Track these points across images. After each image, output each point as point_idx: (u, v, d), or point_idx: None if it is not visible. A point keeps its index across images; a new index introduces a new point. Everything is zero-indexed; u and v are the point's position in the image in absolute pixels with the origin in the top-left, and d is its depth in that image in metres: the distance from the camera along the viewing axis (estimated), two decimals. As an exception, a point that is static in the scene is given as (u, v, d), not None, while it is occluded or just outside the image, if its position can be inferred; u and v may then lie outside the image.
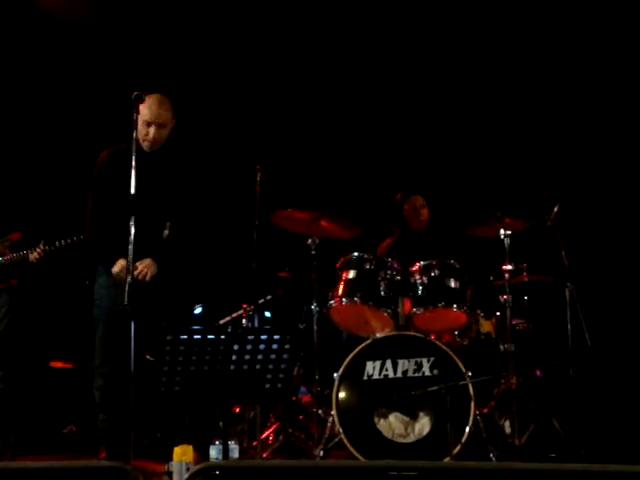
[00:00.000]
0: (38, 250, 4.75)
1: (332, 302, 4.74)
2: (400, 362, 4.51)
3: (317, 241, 4.87)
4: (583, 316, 4.85)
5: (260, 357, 3.29)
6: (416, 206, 5.65)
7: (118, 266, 4.42)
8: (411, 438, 4.39)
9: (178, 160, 4.66)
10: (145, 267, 4.44)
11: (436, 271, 4.72)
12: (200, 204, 4.68)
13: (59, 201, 5.95)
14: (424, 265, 4.76)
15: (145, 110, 4.40)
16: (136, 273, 4.38)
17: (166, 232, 4.55)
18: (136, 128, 4.06)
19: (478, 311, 5.19)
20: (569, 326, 4.88)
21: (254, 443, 4.70)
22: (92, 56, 6.22)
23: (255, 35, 6.35)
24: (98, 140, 5.44)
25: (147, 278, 4.44)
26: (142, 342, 3.89)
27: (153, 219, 4.49)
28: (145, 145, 4.50)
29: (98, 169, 4.61)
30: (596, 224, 6.11)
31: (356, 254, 4.79)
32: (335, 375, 4.53)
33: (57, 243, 4.76)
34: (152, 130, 4.46)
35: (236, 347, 3.26)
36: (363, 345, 4.58)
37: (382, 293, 4.68)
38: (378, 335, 4.64)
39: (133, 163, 3.88)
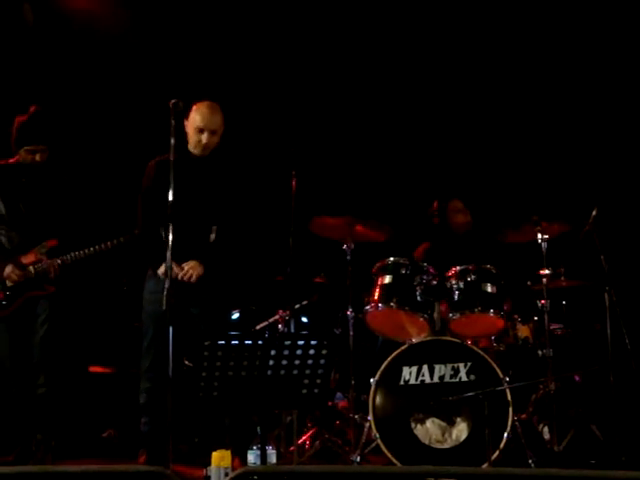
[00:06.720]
0: (54, 267, 4.78)
1: (368, 307, 4.74)
2: (437, 367, 4.49)
3: (352, 246, 4.88)
4: (623, 321, 4.80)
5: (297, 362, 3.31)
6: (458, 208, 5.64)
7: (164, 267, 4.47)
8: (448, 444, 4.37)
9: (225, 165, 4.67)
10: (191, 268, 4.48)
11: (472, 276, 4.70)
12: (246, 208, 4.69)
13: (95, 207, 6.02)
14: (460, 270, 4.74)
15: (197, 116, 4.47)
16: (182, 274, 4.43)
17: (213, 236, 4.59)
18: (173, 135, 4.11)
19: (515, 316, 5.16)
20: (608, 331, 4.83)
21: (291, 448, 4.71)
22: (131, 64, 6.30)
23: (290, 42, 6.38)
24: (136, 148, 5.50)
25: (193, 279, 4.47)
26: (183, 347, 3.94)
27: (200, 223, 4.54)
28: (197, 151, 4.56)
29: (147, 178, 4.65)
30: (635, 227, 6.03)
31: (392, 259, 4.78)
32: (371, 380, 4.53)
33: (73, 255, 4.78)
34: (205, 136, 4.50)
35: (273, 352, 3.28)
36: (399, 350, 4.58)
37: (418, 298, 4.67)
38: (414, 340, 4.64)
39: (171, 171, 3.95)
